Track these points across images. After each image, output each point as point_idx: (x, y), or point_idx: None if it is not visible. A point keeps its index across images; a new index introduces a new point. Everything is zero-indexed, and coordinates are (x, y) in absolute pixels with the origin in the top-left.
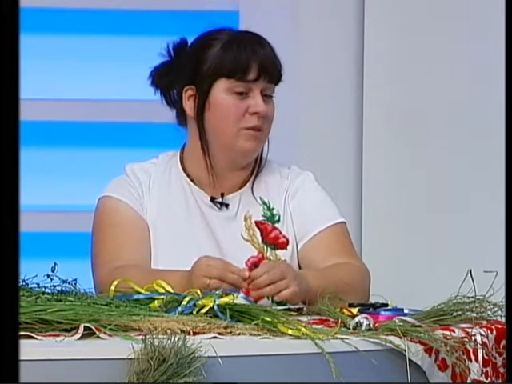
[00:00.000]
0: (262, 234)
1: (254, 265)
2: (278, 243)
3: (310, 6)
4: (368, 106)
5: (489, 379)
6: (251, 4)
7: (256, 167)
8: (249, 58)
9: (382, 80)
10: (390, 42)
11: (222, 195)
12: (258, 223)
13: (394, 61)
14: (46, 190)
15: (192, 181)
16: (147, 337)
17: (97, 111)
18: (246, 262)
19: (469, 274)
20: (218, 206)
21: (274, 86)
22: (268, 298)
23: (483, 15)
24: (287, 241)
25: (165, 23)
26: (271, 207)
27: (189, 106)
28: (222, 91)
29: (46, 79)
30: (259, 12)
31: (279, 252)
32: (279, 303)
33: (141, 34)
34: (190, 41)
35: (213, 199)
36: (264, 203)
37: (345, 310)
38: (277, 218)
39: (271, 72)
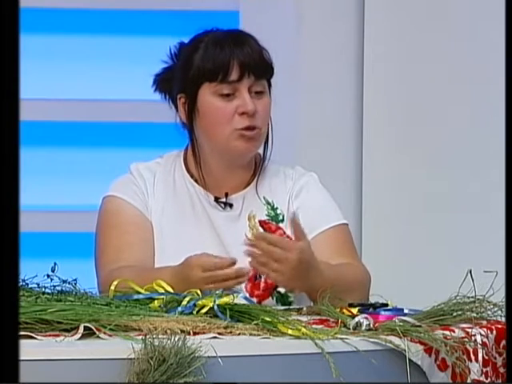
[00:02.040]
0: None
1: None
2: None
3: (310, 5)
4: (368, 105)
5: (489, 379)
6: (251, 4)
7: (258, 167)
8: (228, 59)
9: (382, 80)
10: (390, 42)
11: (226, 195)
12: (262, 223)
13: (394, 61)
14: (46, 190)
15: (196, 181)
16: (147, 337)
17: (97, 111)
18: (249, 262)
19: (469, 274)
20: (222, 205)
21: (264, 81)
22: (273, 298)
23: (483, 15)
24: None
25: (165, 23)
26: (275, 207)
27: (182, 113)
28: (208, 95)
29: (46, 79)
30: (259, 12)
31: None
32: (283, 303)
33: (141, 34)
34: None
35: (217, 199)
36: (268, 203)
37: (345, 310)
38: (281, 217)
39: (255, 68)
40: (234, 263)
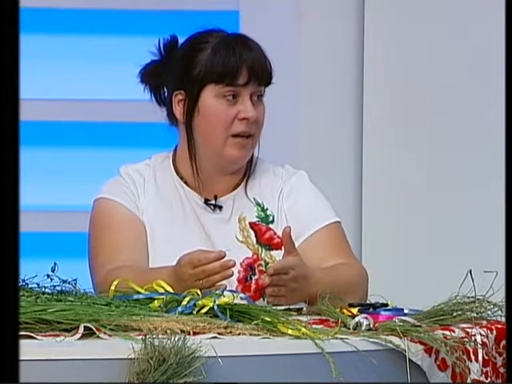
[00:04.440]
0: (256, 235)
1: (249, 266)
2: (273, 244)
3: (310, 5)
4: (368, 106)
5: (489, 379)
6: (251, 4)
7: (248, 170)
8: (238, 63)
9: (382, 80)
10: (390, 41)
11: (216, 197)
12: (252, 224)
13: (394, 60)
14: (46, 190)
15: (185, 183)
16: (147, 337)
17: (97, 111)
18: (240, 264)
19: (469, 274)
20: (212, 208)
21: (263, 88)
22: (264, 299)
23: (483, 15)
24: (282, 241)
25: (165, 23)
26: (265, 208)
27: (178, 110)
28: (211, 96)
29: (46, 79)
30: (259, 12)
31: (274, 253)
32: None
33: (140, 34)
34: (181, 39)
35: (206, 201)
36: (258, 204)
37: (345, 310)
38: (271, 218)
39: (261, 75)
40: (221, 257)
